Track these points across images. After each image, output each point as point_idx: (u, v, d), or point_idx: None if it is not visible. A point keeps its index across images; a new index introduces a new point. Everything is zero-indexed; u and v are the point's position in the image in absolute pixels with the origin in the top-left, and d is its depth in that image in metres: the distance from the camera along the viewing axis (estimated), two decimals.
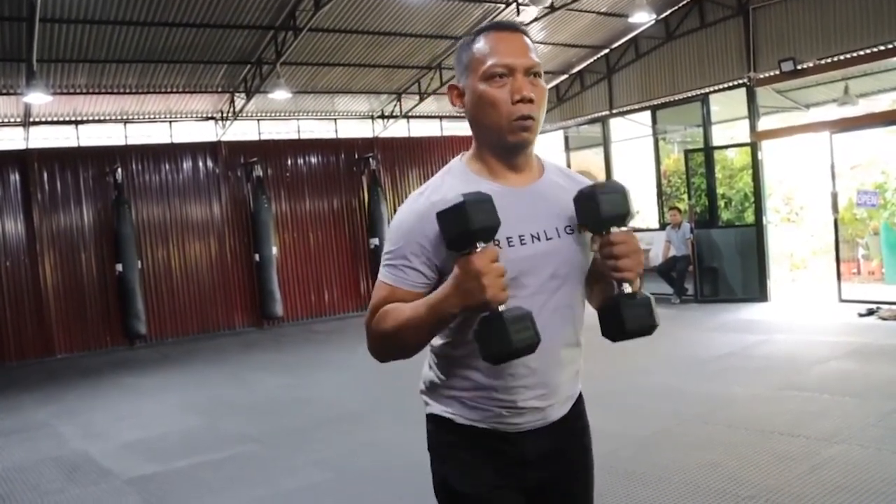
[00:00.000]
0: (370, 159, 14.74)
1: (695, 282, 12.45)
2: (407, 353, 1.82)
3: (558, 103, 15.26)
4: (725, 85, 12.22)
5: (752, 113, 11.93)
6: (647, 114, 13.65)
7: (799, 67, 11.04)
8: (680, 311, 11.63)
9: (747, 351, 8.42)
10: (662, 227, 13.19)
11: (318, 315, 14.27)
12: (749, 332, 9.43)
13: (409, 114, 15.06)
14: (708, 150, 12.74)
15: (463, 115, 1.87)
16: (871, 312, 9.75)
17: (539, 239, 1.81)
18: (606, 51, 14.04)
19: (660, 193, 13.82)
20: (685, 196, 13.25)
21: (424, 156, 15.84)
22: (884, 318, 9.45)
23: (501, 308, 1.61)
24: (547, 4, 10.06)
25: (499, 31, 1.81)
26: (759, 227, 11.90)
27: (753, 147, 11.95)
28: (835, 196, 10.91)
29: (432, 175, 1.77)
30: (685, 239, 12.46)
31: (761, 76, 11.67)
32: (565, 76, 14.97)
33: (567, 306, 1.87)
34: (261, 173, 13.44)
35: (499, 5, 11.60)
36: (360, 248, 14.76)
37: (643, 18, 11.30)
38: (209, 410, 7.73)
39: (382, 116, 15.17)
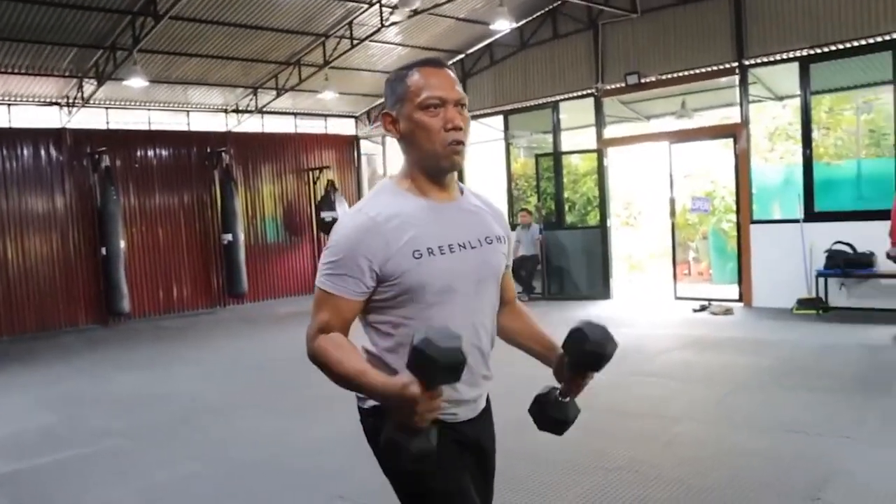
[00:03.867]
0: (223, 153, 14.46)
1: (543, 280, 13.07)
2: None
3: None
4: (575, 94, 12.92)
5: (599, 121, 12.69)
6: (500, 118, 14.20)
7: (642, 81, 11.88)
8: (529, 308, 12.14)
9: None
10: (513, 227, 13.75)
11: (167, 311, 13.83)
12: None
13: (265, 109, 14.88)
14: (557, 155, 13.41)
15: (394, 137, 2.06)
16: (703, 308, 10.65)
17: (465, 248, 2.04)
18: (462, 56, 14.45)
19: (510, 195, 14.39)
20: (531, 199, 13.87)
21: (278, 152, 15.69)
22: (714, 314, 10.36)
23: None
24: (414, 6, 10.25)
25: (430, 66, 2.02)
26: (603, 229, 12.66)
27: (599, 153, 12.71)
28: (672, 202, 11.79)
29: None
30: (534, 239, 13.06)
31: (608, 87, 12.44)
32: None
33: (490, 305, 2.16)
34: (109, 164, 12.89)
35: (361, 5, 11.72)
36: (212, 244, 14.43)
37: (503, 26, 11.74)
38: (65, 406, 7.40)
39: (237, 111, 14.90)
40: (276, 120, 15.80)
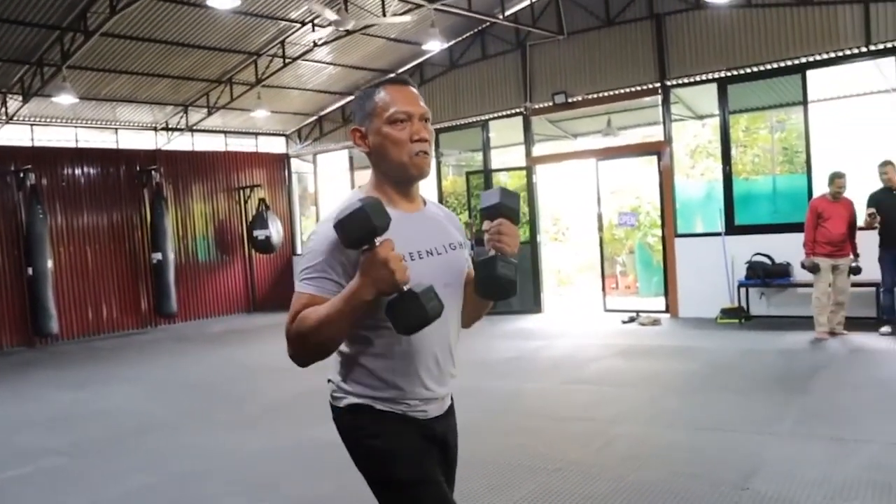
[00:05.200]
0: (153, 172, 14.31)
1: None
2: (327, 349, 2.06)
3: (343, 124, 15.65)
4: (504, 113, 13.26)
5: (528, 139, 13.05)
6: None
7: (569, 100, 12.29)
8: None
9: (532, 354, 9.25)
10: None
11: (96, 332, 13.56)
12: (530, 339, 10.30)
13: (195, 127, 14.79)
14: (487, 172, 13.70)
15: (363, 151, 2.20)
16: (632, 320, 11.04)
17: (432, 254, 2.19)
18: (392, 75, 14.59)
19: None
20: (462, 216, 14.10)
21: (209, 170, 15.60)
22: (643, 324, 10.75)
23: (406, 287, 1.93)
24: (348, 26, 10.41)
25: (396, 84, 2.18)
26: (533, 244, 12.97)
27: (528, 171, 13.05)
28: (600, 217, 12.19)
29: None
30: None
31: (536, 106, 12.81)
32: (352, 97, 15.35)
33: (457, 306, 2.29)
34: (34, 182, 12.63)
35: (294, 24, 11.82)
36: (141, 263, 14.22)
37: (435, 47, 11.98)
38: None
39: (167, 129, 14.77)
40: (206, 138, 15.71)
